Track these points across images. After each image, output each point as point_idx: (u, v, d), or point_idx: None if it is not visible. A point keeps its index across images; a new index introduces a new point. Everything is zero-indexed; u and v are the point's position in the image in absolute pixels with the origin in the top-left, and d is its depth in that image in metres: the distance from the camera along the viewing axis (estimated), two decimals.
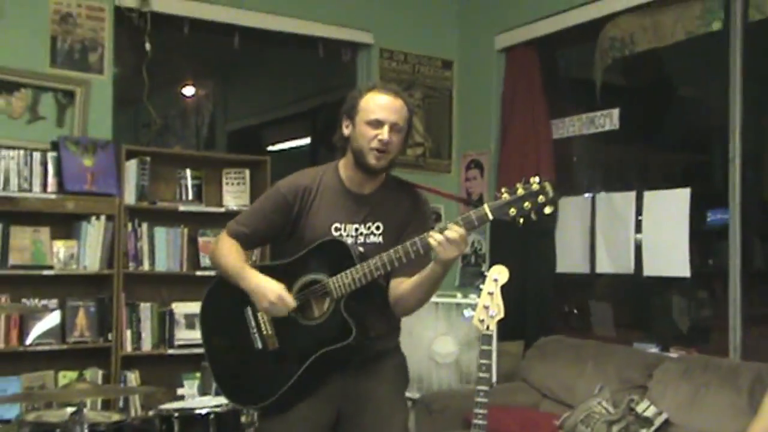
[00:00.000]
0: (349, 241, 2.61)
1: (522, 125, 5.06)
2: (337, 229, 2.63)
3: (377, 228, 2.66)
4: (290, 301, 2.54)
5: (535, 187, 2.38)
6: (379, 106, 2.58)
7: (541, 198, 2.37)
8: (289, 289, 2.58)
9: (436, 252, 2.42)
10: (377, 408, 2.66)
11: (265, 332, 2.63)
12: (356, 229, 2.64)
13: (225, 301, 2.72)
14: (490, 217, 2.41)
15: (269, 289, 2.54)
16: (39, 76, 4.30)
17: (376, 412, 2.66)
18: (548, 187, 2.38)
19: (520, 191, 2.39)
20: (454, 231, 2.40)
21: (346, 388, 2.64)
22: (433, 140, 5.52)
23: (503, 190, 2.42)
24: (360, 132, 2.59)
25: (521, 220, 2.40)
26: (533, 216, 2.39)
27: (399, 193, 2.74)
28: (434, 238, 2.41)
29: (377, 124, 2.56)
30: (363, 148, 2.58)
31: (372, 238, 2.65)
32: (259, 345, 2.64)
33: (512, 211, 2.39)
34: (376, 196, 2.68)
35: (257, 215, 2.72)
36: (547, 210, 2.39)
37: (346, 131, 2.64)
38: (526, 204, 2.38)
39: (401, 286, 2.62)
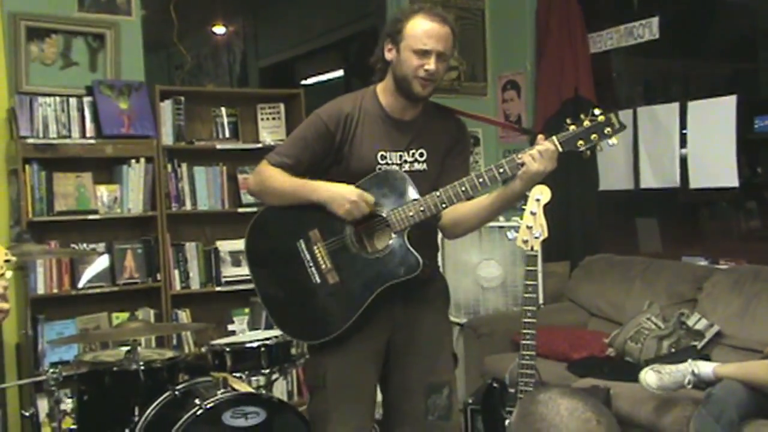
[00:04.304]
0: (394, 168, 2.56)
1: (558, 42, 4.94)
2: (383, 158, 2.57)
3: (420, 155, 2.60)
4: (369, 196, 2.48)
5: (602, 118, 2.40)
6: (427, 34, 2.48)
7: (607, 130, 2.40)
8: (345, 221, 2.52)
9: (527, 165, 2.39)
10: (427, 333, 2.66)
11: (323, 266, 2.54)
12: (400, 157, 2.58)
13: (273, 236, 2.65)
14: (560, 149, 2.40)
15: (347, 191, 2.48)
16: (68, 21, 4.28)
17: (427, 338, 2.66)
18: (614, 118, 2.41)
19: (587, 123, 2.40)
20: (546, 145, 2.39)
21: (394, 315, 2.62)
22: (468, 63, 5.42)
23: (568, 121, 2.43)
24: (405, 59, 2.50)
25: (588, 153, 2.42)
26: (599, 148, 2.42)
27: (440, 118, 2.67)
28: (527, 153, 2.39)
29: (424, 53, 2.48)
30: (407, 76, 2.50)
31: (416, 165, 2.59)
32: (317, 279, 2.55)
33: (580, 143, 2.40)
34: (418, 122, 2.62)
35: (299, 145, 2.61)
36: (613, 141, 2.41)
37: (388, 55, 2.55)
38: (594, 136, 2.40)
39: (462, 207, 2.55)
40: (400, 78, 2.52)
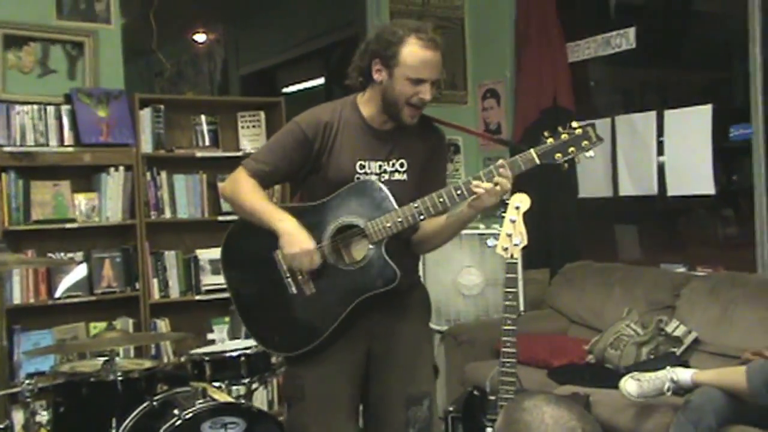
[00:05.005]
0: (373, 178, 2.55)
1: (537, 51, 4.97)
2: (362, 167, 2.56)
3: (401, 165, 2.60)
4: (316, 260, 2.47)
5: (579, 131, 2.44)
6: (424, 64, 2.47)
7: (585, 143, 2.44)
8: (322, 232, 2.51)
9: (481, 198, 2.40)
10: (407, 344, 2.66)
11: (300, 277, 2.55)
12: (380, 167, 2.58)
13: (250, 245, 2.64)
14: (538, 162, 2.43)
15: (304, 239, 2.46)
16: (47, 29, 4.25)
17: (406, 348, 2.65)
18: (591, 131, 2.45)
19: (565, 136, 2.44)
20: (504, 181, 2.39)
21: (374, 327, 2.61)
22: (448, 72, 5.42)
23: (546, 134, 2.45)
24: (398, 85, 2.48)
25: (566, 165, 2.45)
26: (576, 160, 2.46)
27: (420, 128, 2.65)
28: (481, 186, 2.40)
29: (419, 82, 2.48)
30: (398, 102, 2.50)
31: (396, 176, 2.59)
32: (294, 290, 2.55)
33: (558, 155, 2.43)
34: (398, 132, 2.60)
35: (277, 152, 2.60)
36: (590, 154, 2.45)
37: (377, 76, 2.52)
38: (571, 149, 2.44)
39: (427, 225, 2.58)
40: (391, 102, 2.52)
